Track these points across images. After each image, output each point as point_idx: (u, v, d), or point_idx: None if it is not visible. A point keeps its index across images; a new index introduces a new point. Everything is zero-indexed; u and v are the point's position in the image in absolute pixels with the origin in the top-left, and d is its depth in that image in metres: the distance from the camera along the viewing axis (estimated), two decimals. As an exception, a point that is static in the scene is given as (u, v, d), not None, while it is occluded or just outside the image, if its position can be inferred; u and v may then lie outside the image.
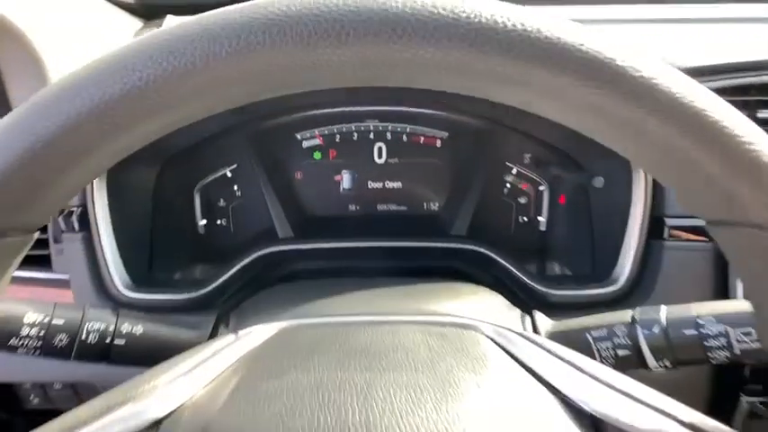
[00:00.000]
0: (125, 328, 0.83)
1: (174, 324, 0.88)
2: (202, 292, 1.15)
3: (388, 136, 1.47)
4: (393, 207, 1.50)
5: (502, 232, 1.46)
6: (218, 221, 1.46)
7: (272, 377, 0.60)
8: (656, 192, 1.14)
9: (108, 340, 0.81)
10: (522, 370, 0.66)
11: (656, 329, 0.79)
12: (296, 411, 0.52)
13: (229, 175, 1.43)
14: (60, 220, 1.14)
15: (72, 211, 1.13)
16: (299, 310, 0.84)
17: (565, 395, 0.60)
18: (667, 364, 0.79)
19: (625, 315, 0.84)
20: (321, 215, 1.48)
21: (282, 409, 0.53)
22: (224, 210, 1.45)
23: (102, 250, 1.12)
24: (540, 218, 1.45)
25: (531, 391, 0.61)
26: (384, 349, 0.65)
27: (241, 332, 0.73)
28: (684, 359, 0.78)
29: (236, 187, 1.45)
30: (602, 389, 0.59)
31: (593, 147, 1.30)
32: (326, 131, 1.46)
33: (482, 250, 1.27)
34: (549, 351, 0.68)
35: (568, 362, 0.65)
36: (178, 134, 1.30)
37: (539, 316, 0.93)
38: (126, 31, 1.89)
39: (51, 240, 1.20)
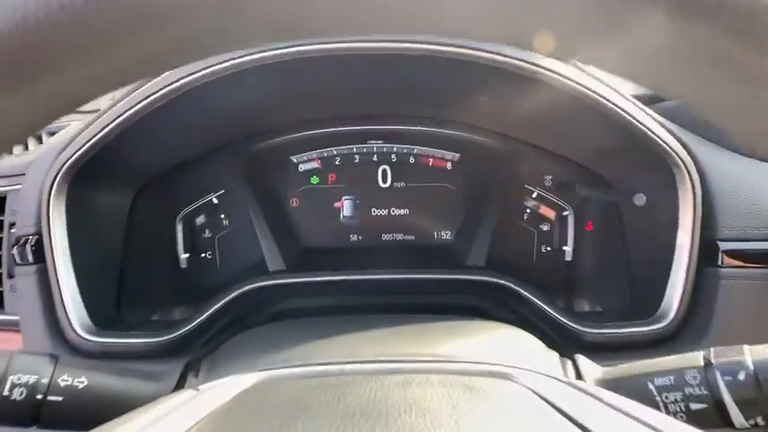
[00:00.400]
0: (64, 380, 0.65)
1: (130, 375, 0.71)
2: (175, 335, 0.97)
3: (394, 158, 1.32)
4: (399, 237, 1.34)
5: (522, 264, 1.29)
6: (203, 255, 1.29)
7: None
8: (707, 210, 0.98)
9: (40, 396, 0.64)
10: None
11: (741, 376, 0.61)
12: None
13: (216, 201, 1.28)
14: (15, 250, 0.98)
15: (27, 240, 0.98)
16: (282, 356, 0.66)
17: None
18: (759, 421, 0.61)
19: (695, 357, 0.66)
20: (318, 246, 1.32)
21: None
22: (209, 241, 1.29)
23: (58, 286, 0.95)
24: (565, 247, 1.29)
25: None
26: (392, 409, 0.48)
27: (204, 386, 0.56)
28: (784, 415, 0.60)
29: (222, 216, 1.29)
30: None
31: (625, 161, 1.16)
32: (325, 154, 1.32)
33: (504, 282, 1.09)
34: (611, 406, 0.51)
35: (642, 421, 0.47)
36: (156, 154, 1.18)
37: (582, 360, 0.75)
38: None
39: (5, 275, 1.04)
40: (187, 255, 1.26)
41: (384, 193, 1.33)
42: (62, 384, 0.65)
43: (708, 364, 0.64)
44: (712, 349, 0.66)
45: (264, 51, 0.84)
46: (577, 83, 0.89)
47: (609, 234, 1.22)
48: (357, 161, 1.33)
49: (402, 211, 1.33)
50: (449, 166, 1.33)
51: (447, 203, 1.33)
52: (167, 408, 0.51)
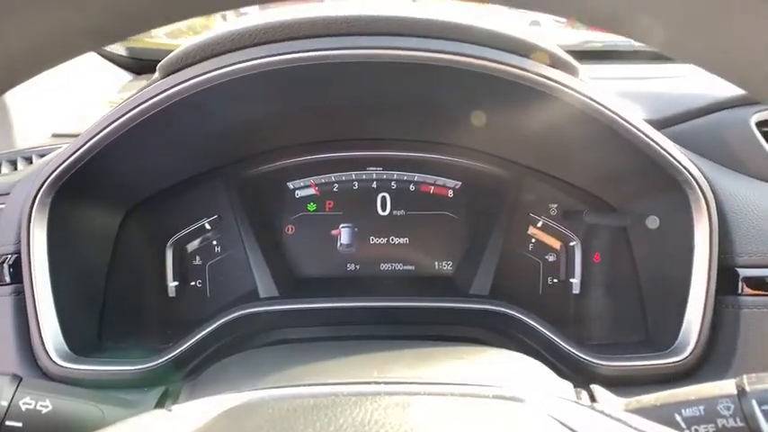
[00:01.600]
0: (26, 403, 0.59)
1: (101, 400, 0.64)
2: (156, 363, 0.90)
3: (393, 185, 1.28)
4: (399, 266, 1.28)
5: (528, 296, 1.22)
6: (192, 283, 1.23)
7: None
8: (723, 234, 0.93)
9: None
10: None
11: (782, 405, 0.55)
12: None
13: (208, 227, 1.22)
14: (-9, 270, 0.93)
15: (5, 259, 0.92)
16: (269, 379, 0.60)
17: None
18: (803, 456, 0.55)
19: (727, 385, 0.60)
20: (314, 276, 1.26)
21: None
22: (199, 269, 1.23)
23: (34, 308, 0.89)
24: (572, 279, 1.23)
25: None
26: None
27: (177, 407, 0.49)
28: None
29: (215, 242, 1.23)
30: None
31: (635, 183, 1.11)
32: (323, 180, 1.28)
33: (510, 311, 1.03)
34: None
35: None
36: (146, 173, 1.13)
37: (599, 390, 0.69)
38: (112, 82, 1.78)
39: (-21, 296, 0.97)
40: (176, 283, 1.20)
41: (383, 222, 1.28)
42: (23, 408, 0.59)
43: (742, 392, 0.58)
44: (745, 376, 0.60)
45: (259, 59, 0.81)
46: (590, 98, 0.85)
47: (618, 265, 1.17)
48: (356, 188, 1.28)
49: (402, 240, 1.28)
50: (450, 194, 1.29)
51: (448, 233, 1.28)
52: (135, 429, 0.44)
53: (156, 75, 0.91)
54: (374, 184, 1.29)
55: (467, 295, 1.13)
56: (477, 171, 1.25)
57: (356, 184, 1.29)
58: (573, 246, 1.24)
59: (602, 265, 1.21)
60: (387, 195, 1.28)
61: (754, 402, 0.56)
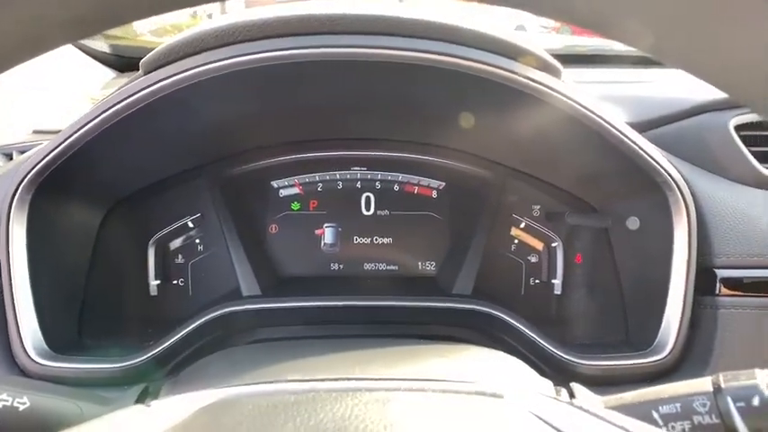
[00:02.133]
0: (2, 400, 0.58)
1: (80, 397, 0.63)
2: (136, 361, 0.90)
3: (378, 185, 1.29)
4: (382, 266, 1.28)
5: (510, 296, 1.23)
6: (174, 282, 1.22)
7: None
8: (701, 236, 0.94)
9: None
10: None
11: (755, 402, 0.56)
12: None
13: (191, 225, 1.22)
14: (-33, 267, 0.91)
15: (-19, 256, 0.91)
16: (251, 376, 0.60)
17: None
18: (776, 451, 0.56)
19: (703, 383, 0.61)
20: (297, 275, 1.26)
21: None
22: (182, 267, 1.22)
23: (13, 306, 0.88)
24: (554, 280, 1.24)
25: None
26: (370, 427, 0.42)
27: (155, 402, 0.49)
28: (803, 444, 0.55)
29: (197, 241, 1.23)
30: None
31: (616, 184, 1.13)
32: (307, 179, 1.27)
33: (492, 311, 1.04)
34: (621, 428, 0.45)
35: None
36: (128, 171, 1.12)
37: (578, 388, 0.69)
38: (95, 79, 1.76)
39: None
40: (158, 281, 1.19)
41: (367, 222, 1.28)
42: (0, 405, 0.58)
43: (718, 389, 0.59)
44: (721, 374, 0.61)
45: (241, 56, 0.81)
46: (574, 100, 0.86)
47: (599, 266, 1.18)
48: (340, 188, 1.28)
49: (385, 240, 1.28)
50: (434, 194, 1.29)
51: (432, 233, 1.28)
52: (112, 425, 0.44)
53: (139, 71, 0.91)
54: (358, 184, 1.29)
55: (449, 295, 1.14)
56: (461, 172, 1.25)
57: (340, 183, 1.29)
58: (555, 247, 1.25)
59: (583, 265, 1.22)
60: (371, 195, 1.28)
61: (729, 399, 0.57)
